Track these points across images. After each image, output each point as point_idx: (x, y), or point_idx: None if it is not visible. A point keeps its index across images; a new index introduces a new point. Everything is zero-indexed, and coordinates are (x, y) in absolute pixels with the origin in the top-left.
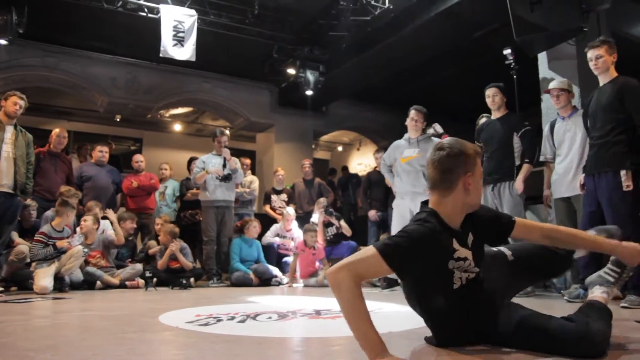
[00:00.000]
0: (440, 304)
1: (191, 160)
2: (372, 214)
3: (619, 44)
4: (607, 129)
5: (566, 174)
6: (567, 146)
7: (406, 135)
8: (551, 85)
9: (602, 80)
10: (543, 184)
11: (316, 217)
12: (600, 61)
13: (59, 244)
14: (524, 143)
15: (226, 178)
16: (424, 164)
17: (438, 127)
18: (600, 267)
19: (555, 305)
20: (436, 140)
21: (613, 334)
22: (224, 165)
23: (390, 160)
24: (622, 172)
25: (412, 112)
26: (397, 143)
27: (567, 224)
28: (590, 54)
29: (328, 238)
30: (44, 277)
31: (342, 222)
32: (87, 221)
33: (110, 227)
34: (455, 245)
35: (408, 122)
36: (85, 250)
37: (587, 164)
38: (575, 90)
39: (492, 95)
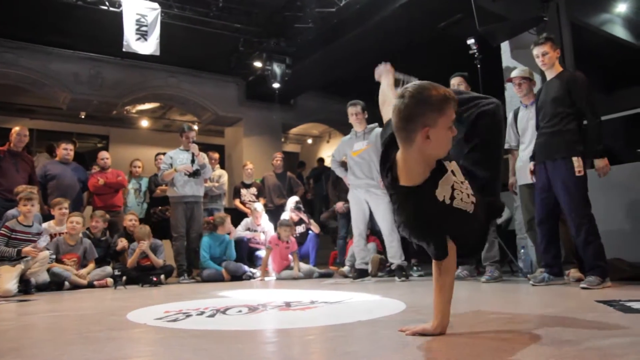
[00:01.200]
0: None
1: (157, 156)
2: (340, 205)
3: (578, 33)
4: (556, 120)
5: (530, 161)
6: (530, 133)
7: (353, 130)
8: (513, 74)
9: (549, 75)
10: (508, 172)
11: (287, 215)
12: (547, 57)
13: (25, 251)
14: None
15: (195, 174)
16: (372, 155)
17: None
18: (559, 252)
19: (522, 289)
20: (378, 129)
21: (575, 316)
22: (192, 161)
23: (339, 156)
24: (574, 159)
25: (350, 109)
26: (345, 139)
27: (532, 209)
28: (536, 50)
29: (295, 236)
30: (7, 281)
31: (312, 220)
32: (79, 224)
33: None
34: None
35: (350, 118)
36: (53, 256)
37: (535, 153)
38: (537, 78)
39: (456, 84)
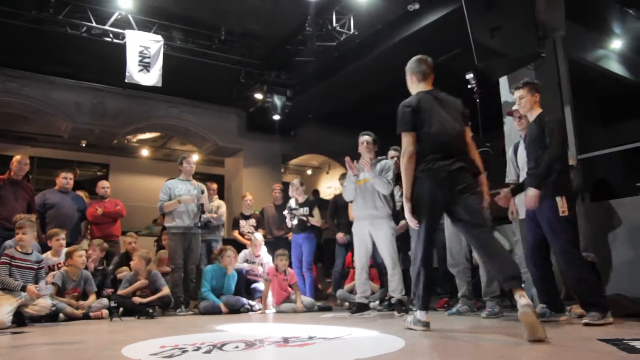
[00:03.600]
0: None
1: None
2: (340, 236)
3: (575, 68)
4: (538, 162)
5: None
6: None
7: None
8: (514, 107)
9: (530, 118)
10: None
11: (293, 202)
12: (523, 101)
13: (29, 290)
14: None
15: (205, 226)
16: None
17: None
18: (553, 287)
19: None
20: (385, 160)
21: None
22: (202, 212)
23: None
24: (558, 199)
25: (361, 138)
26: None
27: None
28: (515, 94)
29: (292, 226)
30: (2, 313)
31: (314, 213)
32: (81, 257)
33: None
34: None
35: (360, 147)
36: (53, 307)
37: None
38: None
39: None
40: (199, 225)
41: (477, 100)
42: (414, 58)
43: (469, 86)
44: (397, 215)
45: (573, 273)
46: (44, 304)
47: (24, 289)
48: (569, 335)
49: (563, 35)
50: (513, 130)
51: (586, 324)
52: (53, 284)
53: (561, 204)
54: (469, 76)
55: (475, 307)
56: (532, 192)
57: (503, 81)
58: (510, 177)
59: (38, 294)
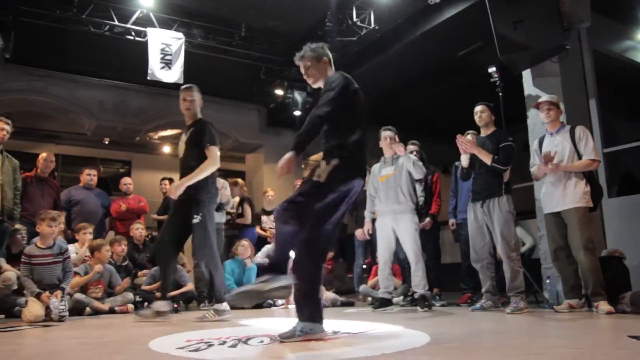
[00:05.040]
0: None
1: (162, 181)
2: (359, 232)
3: (600, 60)
4: None
5: (555, 189)
6: (555, 161)
7: (382, 157)
8: (542, 99)
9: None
10: (532, 200)
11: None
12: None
13: (43, 300)
14: (501, 152)
15: (217, 209)
16: (398, 180)
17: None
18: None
19: (548, 321)
20: (407, 155)
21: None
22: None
23: (374, 192)
24: None
25: (383, 133)
26: (374, 167)
27: (558, 239)
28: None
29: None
30: (37, 307)
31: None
32: (108, 251)
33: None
34: None
35: (382, 142)
36: (64, 320)
37: None
38: (562, 107)
39: (479, 112)
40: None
41: (500, 94)
42: (316, 44)
43: (492, 80)
44: (420, 210)
45: None
46: (56, 316)
47: (38, 295)
48: (597, 331)
49: (588, 26)
50: (537, 124)
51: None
52: (76, 273)
53: None
54: (492, 70)
55: (499, 302)
56: None
57: (526, 74)
58: (534, 164)
59: (48, 303)
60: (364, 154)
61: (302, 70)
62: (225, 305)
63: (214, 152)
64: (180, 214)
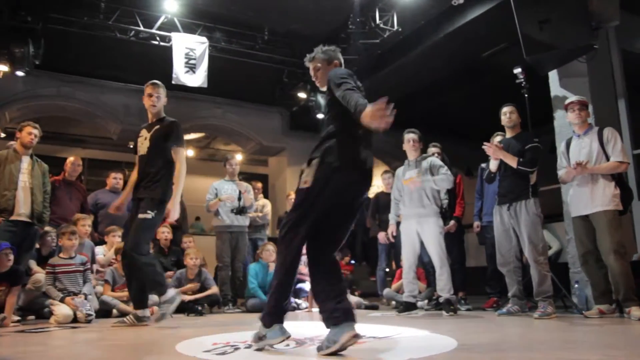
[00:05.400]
0: None
1: None
2: (382, 236)
3: (629, 59)
4: None
5: (583, 192)
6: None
7: (406, 160)
8: (573, 99)
9: None
10: (559, 203)
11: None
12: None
13: (68, 303)
14: (527, 154)
15: (241, 211)
16: (423, 183)
17: None
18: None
19: (578, 327)
20: (431, 158)
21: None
22: (239, 199)
23: (398, 195)
24: None
25: (406, 135)
26: (398, 171)
27: (587, 243)
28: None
29: None
30: (65, 308)
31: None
32: None
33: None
34: None
35: (406, 145)
36: (91, 321)
37: None
38: (589, 108)
39: (508, 113)
40: (234, 211)
41: (526, 95)
42: (328, 47)
43: (517, 81)
44: (444, 214)
45: None
46: (81, 318)
47: (62, 300)
48: (631, 338)
49: (617, 25)
50: (564, 126)
51: None
52: (105, 281)
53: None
54: (517, 71)
55: (526, 307)
56: None
57: (553, 75)
58: (561, 166)
59: (76, 306)
60: (358, 147)
61: (312, 72)
62: (146, 312)
63: (182, 154)
64: (136, 212)
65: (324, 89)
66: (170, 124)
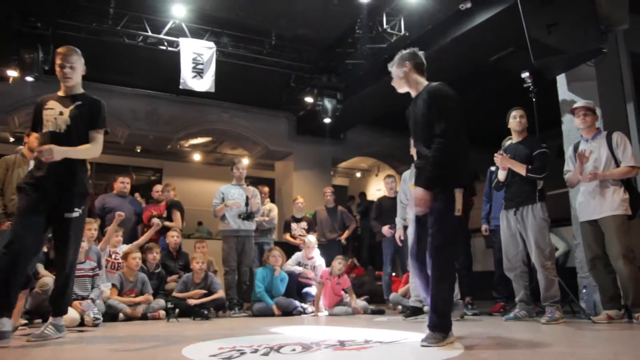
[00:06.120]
0: None
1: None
2: (386, 229)
3: (638, 63)
4: None
5: (592, 197)
6: (591, 168)
7: (412, 164)
8: (578, 104)
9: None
10: (567, 207)
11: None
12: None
13: (75, 307)
14: (536, 160)
15: (248, 217)
16: None
17: None
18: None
19: (586, 332)
20: None
21: None
22: (246, 204)
23: (404, 198)
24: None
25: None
26: (404, 175)
27: (595, 248)
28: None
29: None
30: (74, 310)
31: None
32: (135, 259)
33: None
34: None
35: (411, 150)
36: (98, 325)
37: None
38: (598, 112)
39: (519, 116)
40: (242, 217)
41: (534, 99)
42: (409, 50)
43: (525, 85)
44: None
45: None
46: (89, 322)
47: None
48: (637, 344)
49: (626, 28)
50: (572, 130)
51: None
52: (113, 285)
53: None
54: (525, 75)
55: (533, 312)
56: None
57: (561, 79)
58: (568, 170)
59: (82, 310)
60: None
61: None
62: (63, 320)
63: (101, 139)
64: (45, 208)
65: (402, 91)
66: (96, 103)
